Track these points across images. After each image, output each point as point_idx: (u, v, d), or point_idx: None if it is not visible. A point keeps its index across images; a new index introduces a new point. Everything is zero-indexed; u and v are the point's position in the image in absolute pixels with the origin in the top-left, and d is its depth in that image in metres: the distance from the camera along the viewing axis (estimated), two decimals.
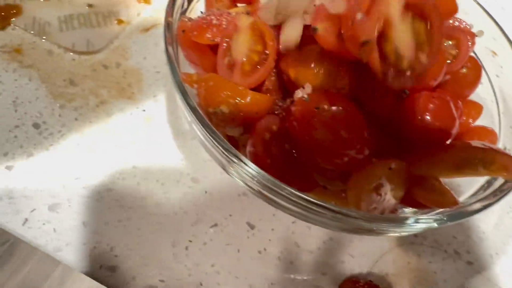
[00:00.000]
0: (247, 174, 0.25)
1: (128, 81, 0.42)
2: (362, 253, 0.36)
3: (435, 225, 0.25)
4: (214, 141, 0.25)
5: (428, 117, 0.30)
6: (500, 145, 0.35)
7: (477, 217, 0.40)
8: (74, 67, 0.42)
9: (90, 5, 0.47)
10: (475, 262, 0.38)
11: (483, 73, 0.40)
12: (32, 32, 0.43)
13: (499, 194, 0.29)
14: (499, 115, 0.37)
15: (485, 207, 0.27)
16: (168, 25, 0.30)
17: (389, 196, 0.26)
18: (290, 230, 0.36)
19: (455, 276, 0.37)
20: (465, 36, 0.31)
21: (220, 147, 0.25)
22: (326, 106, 0.25)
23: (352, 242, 0.36)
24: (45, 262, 0.89)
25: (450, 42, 0.32)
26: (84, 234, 0.33)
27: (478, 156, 0.28)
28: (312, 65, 0.27)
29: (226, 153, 0.25)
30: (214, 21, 0.31)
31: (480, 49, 0.40)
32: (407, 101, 0.30)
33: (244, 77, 0.29)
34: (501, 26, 0.40)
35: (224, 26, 0.31)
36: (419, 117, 0.29)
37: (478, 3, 0.40)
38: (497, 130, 0.36)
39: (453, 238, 0.39)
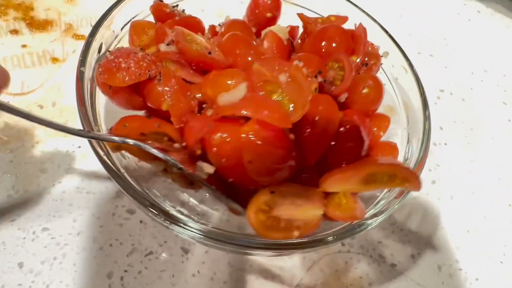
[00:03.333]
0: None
1: (64, 119, 0.44)
2: (292, 266, 0.39)
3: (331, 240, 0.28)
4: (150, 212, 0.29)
5: (339, 140, 0.33)
6: (402, 156, 0.38)
7: (400, 220, 0.44)
8: None
9: (24, 46, 0.48)
10: (398, 263, 0.41)
11: (396, 88, 0.44)
12: None
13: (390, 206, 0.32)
14: (405, 129, 0.40)
15: (375, 221, 0.31)
16: (81, 76, 0.32)
17: (289, 215, 0.29)
18: (222, 251, 0.38)
19: (380, 279, 0.40)
20: (348, 60, 0.34)
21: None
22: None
23: (282, 257, 0.39)
24: None
25: (337, 65, 0.35)
26: (19, 275, 0.34)
27: (385, 171, 0.31)
28: None
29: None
30: (123, 65, 0.33)
31: (396, 66, 0.44)
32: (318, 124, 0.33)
33: None
34: (401, 48, 0.44)
35: (132, 68, 0.33)
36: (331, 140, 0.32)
37: (385, 29, 0.44)
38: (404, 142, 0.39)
39: (378, 243, 0.42)
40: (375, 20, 0.43)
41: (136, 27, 0.39)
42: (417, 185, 0.31)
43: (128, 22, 0.40)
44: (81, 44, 0.50)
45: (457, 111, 0.56)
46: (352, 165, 0.33)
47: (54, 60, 0.48)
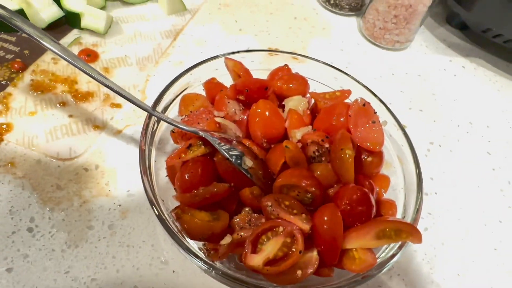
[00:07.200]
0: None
1: (105, 180, 0.51)
2: None
3: None
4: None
5: (353, 204, 0.40)
6: (400, 211, 0.45)
7: (397, 266, 0.50)
8: (60, 173, 0.51)
9: (70, 116, 0.57)
10: None
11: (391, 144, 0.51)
12: (22, 145, 0.53)
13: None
14: (402, 189, 0.48)
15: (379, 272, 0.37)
16: (143, 155, 0.40)
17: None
18: None
19: None
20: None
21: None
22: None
23: None
24: None
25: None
26: None
27: (392, 227, 0.38)
28: None
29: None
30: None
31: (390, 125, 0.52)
32: (338, 192, 0.41)
33: None
34: (392, 112, 0.52)
35: None
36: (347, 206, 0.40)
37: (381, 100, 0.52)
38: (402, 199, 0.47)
39: (378, 287, 0.48)
40: (366, 87, 0.52)
41: (186, 99, 0.48)
42: (419, 238, 0.38)
43: (175, 99, 0.50)
44: (117, 111, 0.59)
45: (446, 162, 0.63)
46: (364, 224, 0.40)
47: (95, 127, 0.56)
